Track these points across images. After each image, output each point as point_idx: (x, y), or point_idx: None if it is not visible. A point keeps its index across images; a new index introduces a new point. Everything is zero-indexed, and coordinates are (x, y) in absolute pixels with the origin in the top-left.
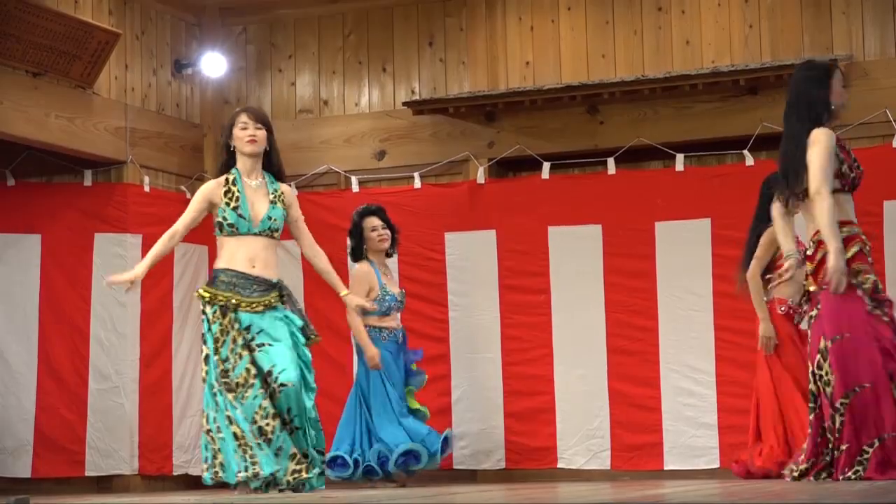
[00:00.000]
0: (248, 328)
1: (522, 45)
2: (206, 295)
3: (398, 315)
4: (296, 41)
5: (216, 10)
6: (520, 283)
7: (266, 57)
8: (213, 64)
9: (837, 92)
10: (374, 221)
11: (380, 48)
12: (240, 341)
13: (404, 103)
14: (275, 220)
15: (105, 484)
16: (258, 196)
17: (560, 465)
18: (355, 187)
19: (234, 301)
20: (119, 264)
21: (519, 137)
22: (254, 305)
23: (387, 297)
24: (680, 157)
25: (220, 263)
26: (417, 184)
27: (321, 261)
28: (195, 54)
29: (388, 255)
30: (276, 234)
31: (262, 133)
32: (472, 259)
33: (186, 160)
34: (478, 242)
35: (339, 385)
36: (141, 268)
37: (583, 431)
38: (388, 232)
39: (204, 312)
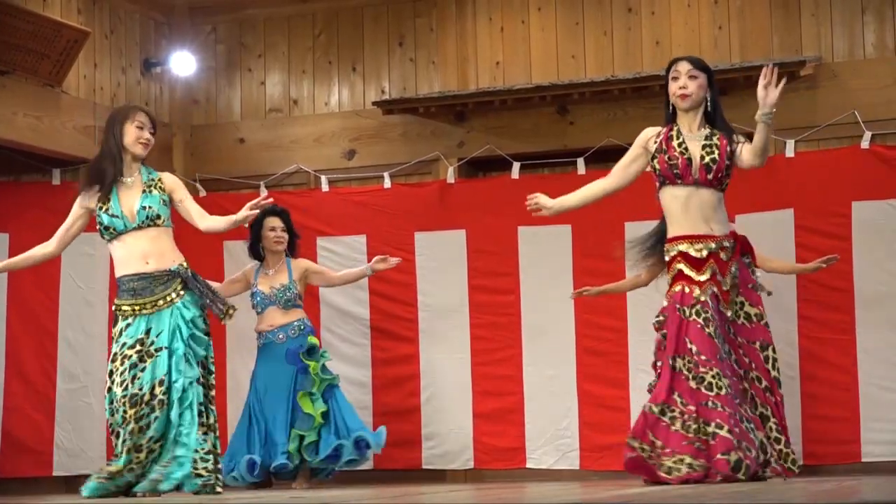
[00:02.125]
0: (147, 332)
1: (492, 46)
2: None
3: (277, 313)
4: (265, 40)
5: (186, 10)
6: (489, 283)
7: (236, 56)
8: (183, 63)
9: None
10: (274, 222)
11: (350, 48)
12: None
13: (374, 103)
14: (150, 207)
15: (73, 484)
16: (132, 191)
17: (529, 465)
18: (325, 187)
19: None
20: (87, 263)
21: (489, 137)
22: (152, 306)
23: (255, 296)
24: None
25: (116, 272)
26: (387, 183)
27: (215, 222)
28: (164, 53)
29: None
30: (159, 222)
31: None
32: (441, 259)
33: (155, 159)
34: (447, 242)
35: None
36: None
37: (552, 432)
38: (285, 235)
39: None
